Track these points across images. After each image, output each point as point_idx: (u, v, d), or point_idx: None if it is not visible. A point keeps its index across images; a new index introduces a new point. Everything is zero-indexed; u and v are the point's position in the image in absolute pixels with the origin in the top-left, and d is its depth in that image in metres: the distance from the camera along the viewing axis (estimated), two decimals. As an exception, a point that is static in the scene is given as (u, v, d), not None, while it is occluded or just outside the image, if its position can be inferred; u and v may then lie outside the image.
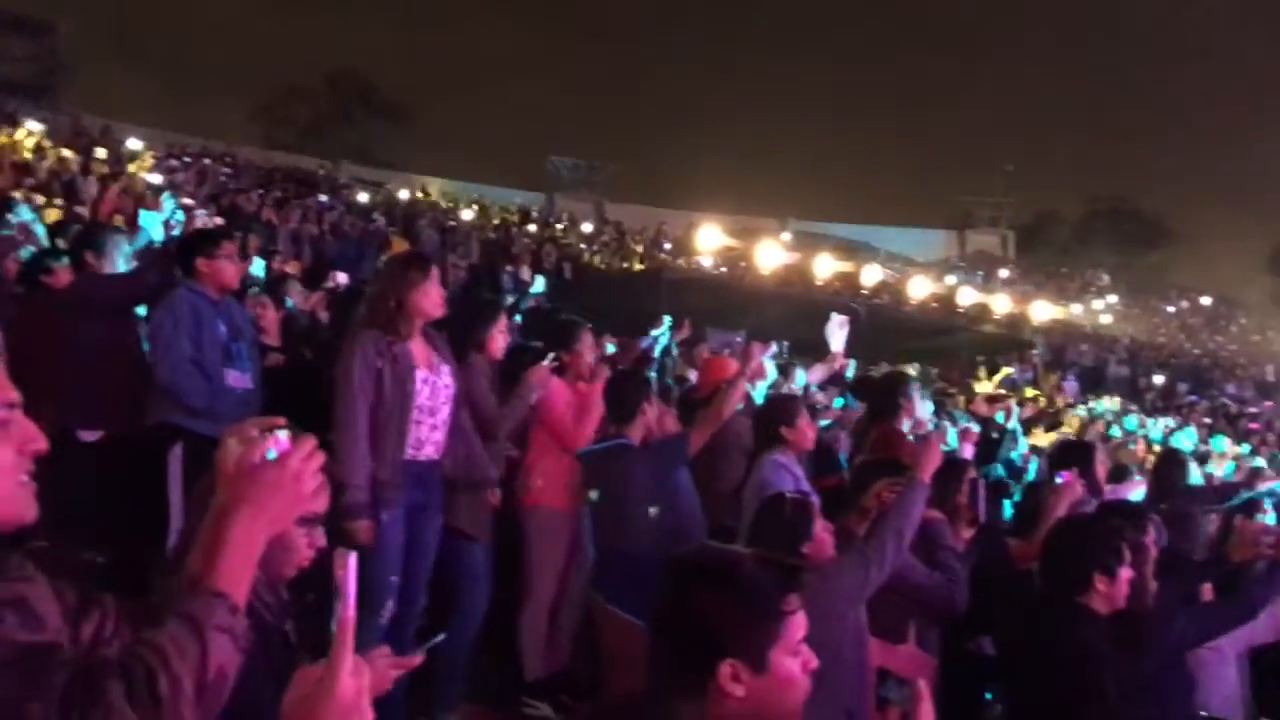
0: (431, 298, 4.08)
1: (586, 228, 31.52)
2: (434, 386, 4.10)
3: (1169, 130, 49.74)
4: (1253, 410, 22.69)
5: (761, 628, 1.83)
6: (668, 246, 28.29)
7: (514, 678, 4.92)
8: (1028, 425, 12.85)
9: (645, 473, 4.45)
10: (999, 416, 8.46)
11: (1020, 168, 52.16)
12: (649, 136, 51.13)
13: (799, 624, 1.88)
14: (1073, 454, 5.67)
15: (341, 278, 8.18)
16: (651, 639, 1.94)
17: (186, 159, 23.22)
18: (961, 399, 13.38)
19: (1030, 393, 18.06)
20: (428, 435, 4.09)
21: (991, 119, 54.48)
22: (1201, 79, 49.32)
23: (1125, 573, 3.22)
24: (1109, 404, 20.18)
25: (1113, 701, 3.03)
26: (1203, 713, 3.99)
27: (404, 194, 29.92)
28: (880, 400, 5.63)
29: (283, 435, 1.61)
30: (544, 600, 4.93)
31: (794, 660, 1.85)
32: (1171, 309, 40.34)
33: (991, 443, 7.46)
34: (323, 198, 21.81)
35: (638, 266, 24.68)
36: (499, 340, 4.86)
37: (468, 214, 27.82)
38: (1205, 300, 42.40)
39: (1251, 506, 5.89)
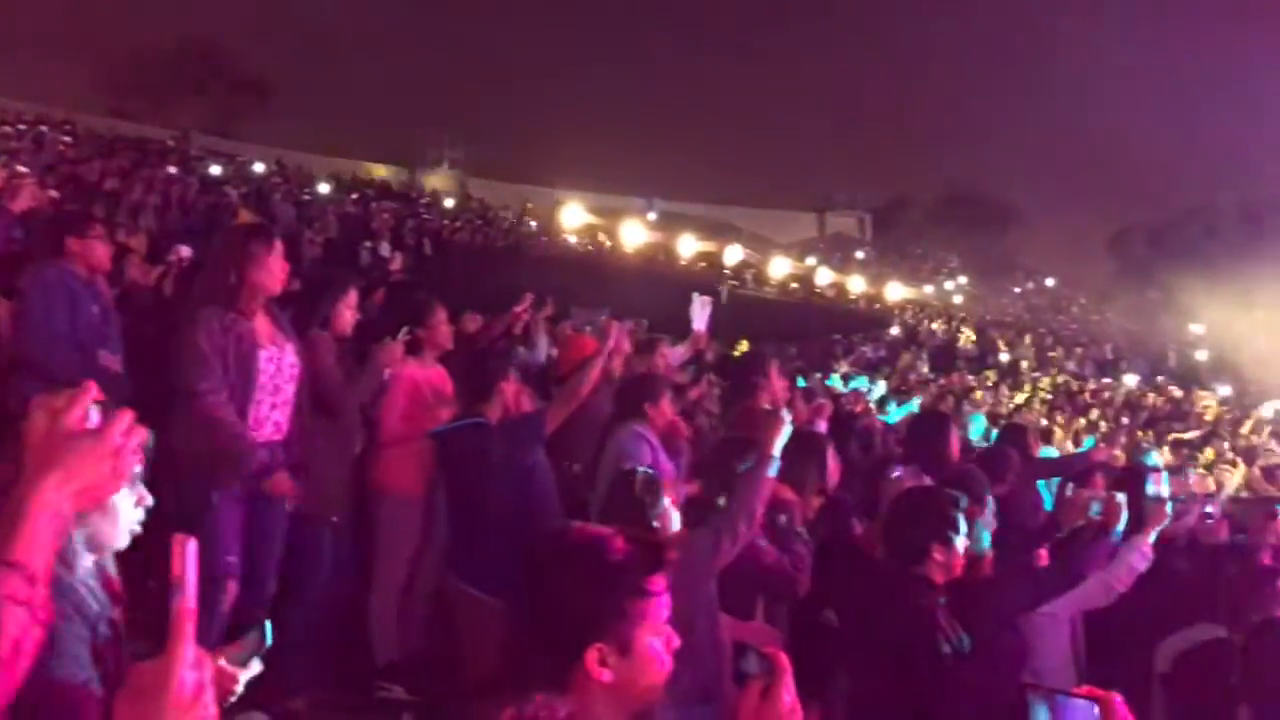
0: (274, 272, 3.93)
1: (449, 203, 31.05)
2: (278, 364, 3.96)
3: (1022, 117, 51.76)
4: (1092, 387, 23.90)
5: (627, 610, 1.80)
6: (533, 224, 28.08)
7: (368, 662, 4.83)
8: (881, 401, 13.30)
9: (501, 451, 4.39)
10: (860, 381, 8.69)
11: (879, 152, 53.76)
12: (514, 114, 50.64)
13: (663, 604, 1.86)
14: (926, 425, 5.87)
15: (186, 252, 7.83)
16: (512, 624, 1.90)
17: (21, 126, 21.94)
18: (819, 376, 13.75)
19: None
20: (268, 414, 3.96)
21: (853, 103, 55.79)
22: (1050, 69, 51.49)
23: (961, 542, 3.34)
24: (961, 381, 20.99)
25: (948, 668, 3.14)
26: (1029, 679, 4.18)
27: (259, 167, 28.93)
28: (740, 379, 5.71)
29: (94, 411, 1.53)
30: (394, 584, 4.84)
31: (658, 640, 1.84)
32: (1018, 290, 42.14)
33: (845, 418, 7.66)
34: (171, 170, 20.89)
35: (501, 243, 24.44)
36: (346, 315, 4.72)
37: (325, 188, 27.08)
38: (1049, 282, 44.43)
39: (1083, 477, 6.21)
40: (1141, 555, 4.49)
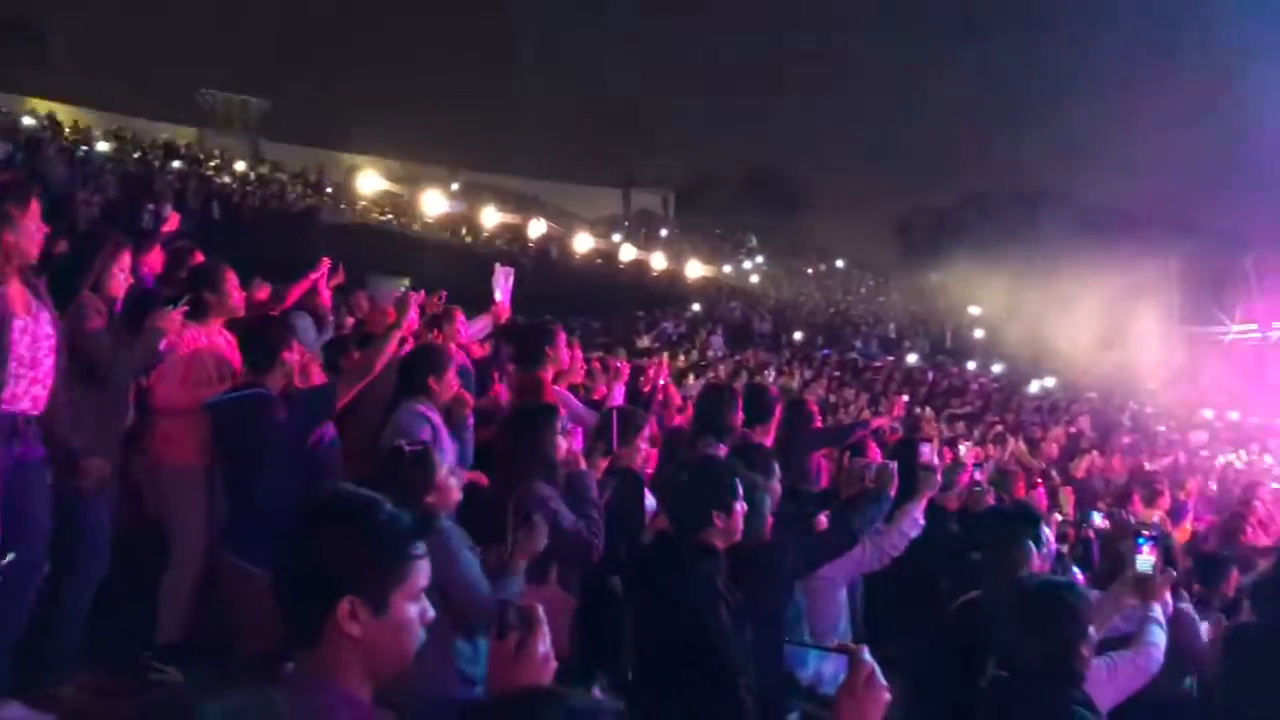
0: (30, 234, 3.65)
1: (240, 166, 29.64)
2: (34, 335, 3.68)
3: (821, 101, 53.53)
4: (877, 364, 25.14)
5: (387, 568, 1.82)
6: (329, 190, 27.14)
7: (142, 642, 4.60)
8: (680, 375, 13.56)
9: (283, 424, 4.24)
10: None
11: (684, 131, 54.62)
12: (313, 75, 48.61)
13: (423, 571, 1.88)
14: (715, 397, 6.02)
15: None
16: (275, 583, 1.87)
17: None
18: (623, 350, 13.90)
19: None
20: (26, 389, 3.68)
21: (660, 80, 56.35)
22: (850, 55, 53.43)
23: (740, 507, 3.45)
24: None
25: (728, 631, 3.25)
26: (810, 640, 4.38)
27: (28, 120, 26.81)
28: (525, 348, 5.70)
29: None
30: (190, 559, 4.60)
31: (414, 606, 1.86)
32: (811, 271, 43.72)
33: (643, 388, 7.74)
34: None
35: (294, 209, 23.53)
36: (119, 278, 4.44)
37: (104, 146, 25.35)
38: (839, 263, 46.30)
39: (860, 447, 6.52)
40: (913, 522, 4.76)
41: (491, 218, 22.90)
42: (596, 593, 4.12)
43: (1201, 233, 29.29)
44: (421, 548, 1.88)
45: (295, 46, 47.46)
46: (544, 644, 1.83)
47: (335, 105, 44.38)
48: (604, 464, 4.54)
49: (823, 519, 4.74)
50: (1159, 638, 3.66)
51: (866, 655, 2.00)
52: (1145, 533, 3.91)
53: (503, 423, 4.66)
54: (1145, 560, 3.76)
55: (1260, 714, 4.01)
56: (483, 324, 7.38)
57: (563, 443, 4.19)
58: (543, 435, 4.12)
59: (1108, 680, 3.38)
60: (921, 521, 4.78)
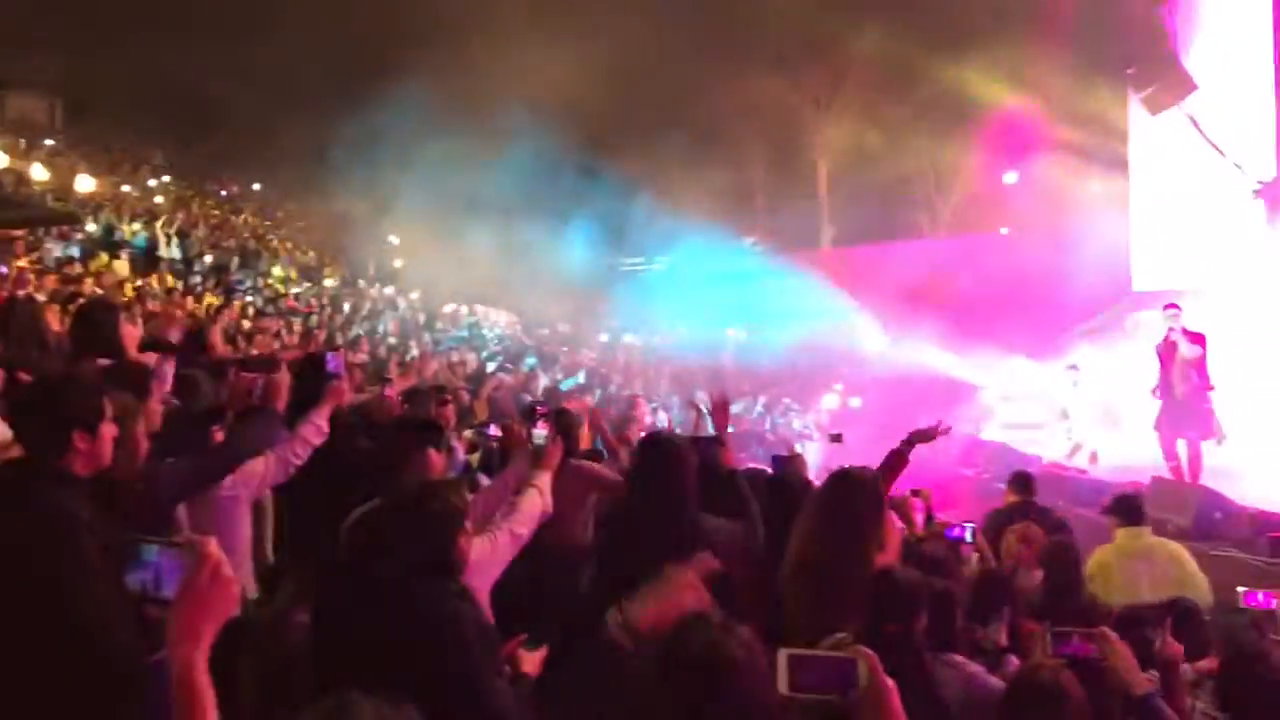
0: None
1: None
2: None
3: (233, 15, 50.04)
4: (296, 292, 24.52)
5: None
6: None
7: None
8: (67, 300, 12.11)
9: None
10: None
11: (66, 32, 48.19)
12: None
13: None
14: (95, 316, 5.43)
15: None
16: None
17: None
18: None
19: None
20: None
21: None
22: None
23: (108, 429, 3.11)
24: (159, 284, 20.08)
25: (100, 568, 2.93)
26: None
27: None
28: None
29: None
30: None
31: None
32: (225, 193, 41.38)
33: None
34: None
35: None
36: None
37: None
38: (256, 186, 44.28)
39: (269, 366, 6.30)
40: (316, 429, 4.68)
41: None
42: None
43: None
44: None
45: None
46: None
47: None
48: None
49: (216, 434, 4.53)
50: (534, 501, 4.01)
51: (213, 548, 1.87)
52: (540, 409, 4.51)
53: None
54: (540, 435, 4.41)
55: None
56: None
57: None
58: None
59: (491, 556, 3.68)
60: (326, 429, 4.71)
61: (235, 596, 1.84)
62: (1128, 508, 6.68)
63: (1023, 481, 7.59)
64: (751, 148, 36.55)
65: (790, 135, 36.97)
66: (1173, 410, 11.08)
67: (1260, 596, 4.47)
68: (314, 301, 23.12)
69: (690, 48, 30.88)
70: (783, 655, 2.10)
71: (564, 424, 5.28)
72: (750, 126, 36.14)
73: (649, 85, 29.15)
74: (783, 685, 2.06)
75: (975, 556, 6.15)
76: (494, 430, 6.61)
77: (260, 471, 4.49)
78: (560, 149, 25.36)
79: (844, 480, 4.04)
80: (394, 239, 32.48)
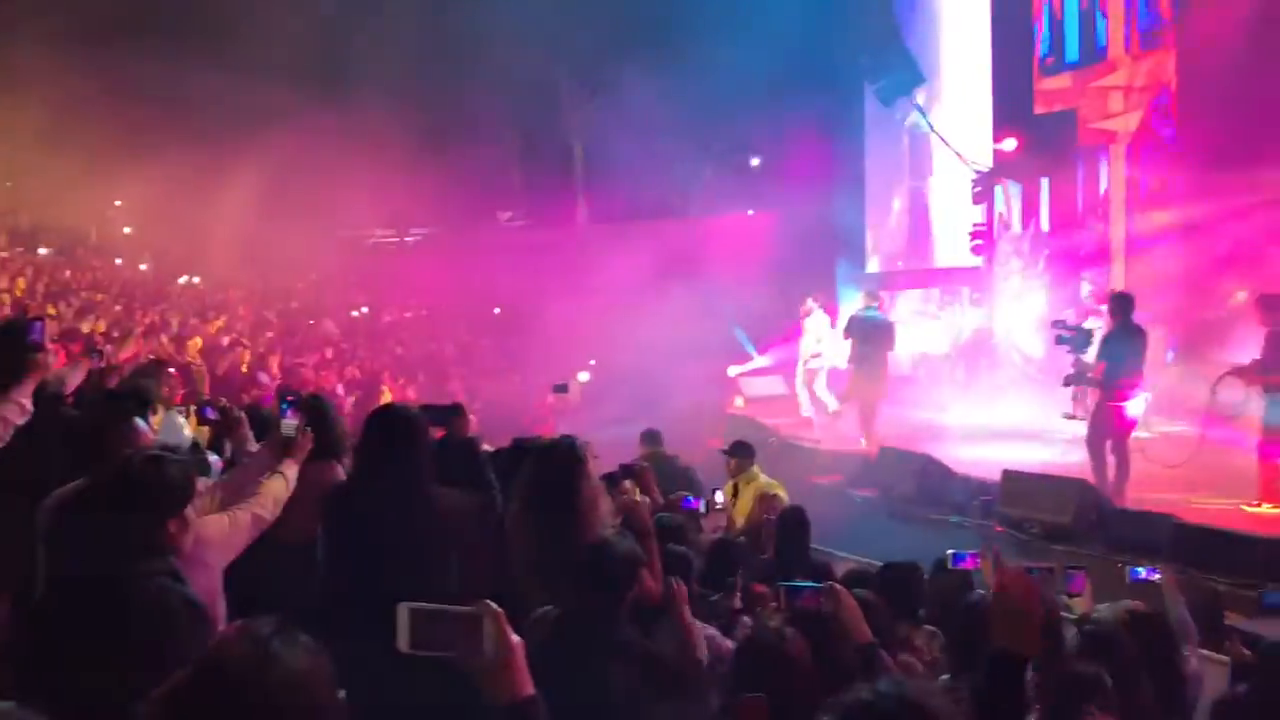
0: None
1: None
2: None
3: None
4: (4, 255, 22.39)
5: None
6: None
7: None
8: None
9: None
10: None
11: None
12: None
13: None
14: None
15: None
16: None
17: None
18: None
19: None
20: None
21: None
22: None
23: None
24: None
25: None
26: None
27: None
28: None
29: None
30: None
31: None
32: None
33: None
34: None
35: None
36: None
37: None
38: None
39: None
40: (19, 408, 4.32)
41: None
42: None
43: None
44: None
45: None
46: None
47: None
48: None
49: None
50: (280, 486, 3.89)
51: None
52: (289, 398, 4.34)
53: None
54: (289, 424, 4.15)
55: None
56: None
57: None
58: None
59: (230, 534, 3.55)
60: (30, 406, 4.33)
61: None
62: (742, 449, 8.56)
63: (652, 436, 9.06)
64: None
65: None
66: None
67: (967, 558, 4.84)
68: (28, 269, 21.25)
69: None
70: (403, 610, 1.93)
71: (316, 413, 4.99)
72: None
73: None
74: (403, 642, 1.92)
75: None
76: (211, 413, 6.23)
77: None
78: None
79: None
80: (119, 202, 30.16)
